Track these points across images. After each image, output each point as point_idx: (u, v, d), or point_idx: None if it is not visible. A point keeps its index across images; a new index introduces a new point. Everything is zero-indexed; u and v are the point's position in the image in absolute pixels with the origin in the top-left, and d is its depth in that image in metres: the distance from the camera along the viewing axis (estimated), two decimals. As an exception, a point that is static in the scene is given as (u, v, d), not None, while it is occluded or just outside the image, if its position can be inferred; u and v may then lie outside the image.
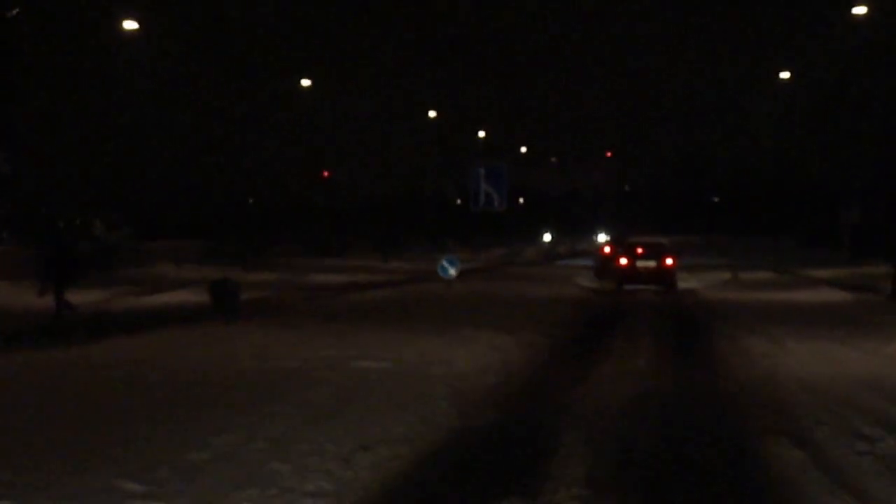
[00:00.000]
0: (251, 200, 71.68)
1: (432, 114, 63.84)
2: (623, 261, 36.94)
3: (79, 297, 27.34)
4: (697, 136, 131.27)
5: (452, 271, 31.98)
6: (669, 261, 36.46)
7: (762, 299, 31.50)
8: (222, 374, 15.23)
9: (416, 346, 18.70)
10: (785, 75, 59.34)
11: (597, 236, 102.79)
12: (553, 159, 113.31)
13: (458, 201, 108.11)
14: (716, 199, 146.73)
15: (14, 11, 27.75)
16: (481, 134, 69.69)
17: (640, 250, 37.02)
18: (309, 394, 13.59)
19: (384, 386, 14.42)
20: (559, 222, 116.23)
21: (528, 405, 13.92)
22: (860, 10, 42.08)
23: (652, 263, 36.28)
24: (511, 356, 18.13)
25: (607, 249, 44.02)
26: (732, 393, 14.69)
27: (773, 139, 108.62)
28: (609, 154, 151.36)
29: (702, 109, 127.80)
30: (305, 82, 56.58)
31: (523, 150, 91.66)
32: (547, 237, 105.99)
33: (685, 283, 39.98)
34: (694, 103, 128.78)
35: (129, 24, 40.28)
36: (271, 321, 23.01)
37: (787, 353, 18.46)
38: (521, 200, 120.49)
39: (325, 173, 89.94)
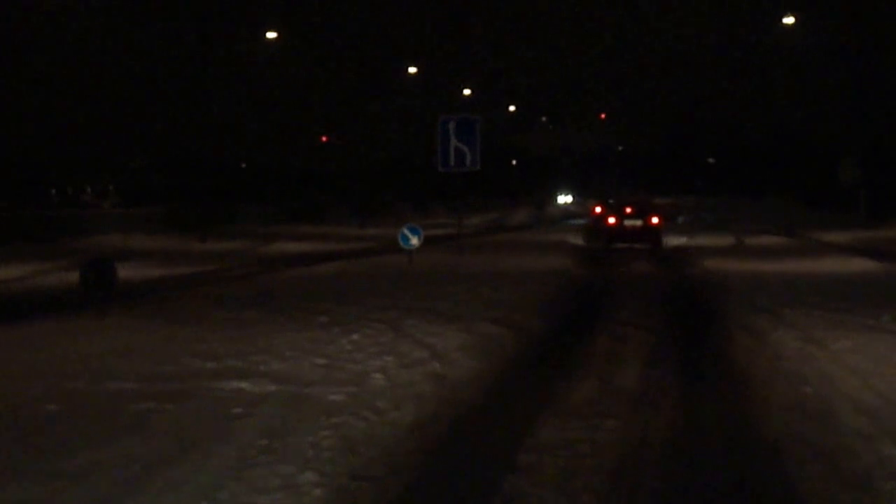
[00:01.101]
0: (220, 164, 66.39)
1: (412, 70, 58.26)
2: (611, 220, 37.28)
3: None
4: (693, 93, 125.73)
5: (414, 241, 26.77)
6: (655, 220, 36.51)
7: (777, 271, 26.24)
8: (21, 398, 10.13)
9: (329, 349, 13.51)
10: (789, 20, 53.69)
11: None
12: (543, 118, 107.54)
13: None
14: (711, 160, 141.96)
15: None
16: (466, 92, 64.19)
17: (627, 210, 37.25)
18: (114, 448, 8.41)
19: (245, 430, 9.24)
20: (551, 185, 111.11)
21: (454, 479, 8.66)
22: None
23: (638, 222, 36.42)
24: (454, 368, 12.87)
25: (598, 210, 44.87)
26: (771, 442, 9.45)
27: (773, 94, 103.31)
28: (602, 116, 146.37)
29: (698, 64, 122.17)
30: (270, 35, 51.00)
31: (511, 108, 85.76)
32: (563, 198, 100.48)
33: (686, 251, 34.82)
34: (690, 58, 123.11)
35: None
36: (164, 310, 17.75)
37: (834, 358, 13.18)
38: (514, 163, 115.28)
39: (324, 138, 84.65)
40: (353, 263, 28.92)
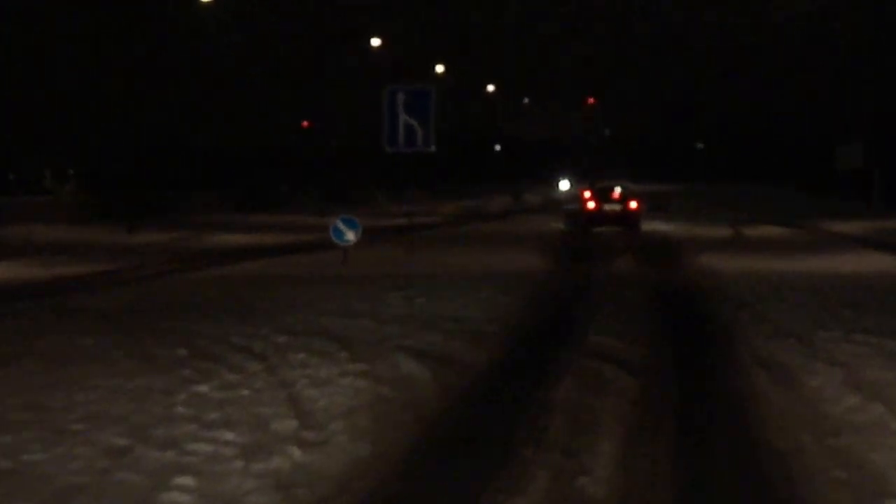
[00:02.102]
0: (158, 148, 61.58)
1: (375, 41, 53.09)
2: (591, 204, 37.58)
3: None
4: (685, 77, 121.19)
5: (350, 236, 22.00)
6: (634, 204, 37.01)
7: (788, 271, 21.52)
8: None
9: (150, 413, 8.88)
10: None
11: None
12: (525, 100, 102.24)
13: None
14: (700, 146, 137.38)
15: None
16: (440, 69, 59.02)
17: (606, 194, 37.86)
18: None
19: None
20: (536, 170, 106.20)
21: None
22: None
23: (617, 207, 36.98)
24: (320, 460, 8.05)
25: (587, 195, 43.56)
26: None
27: (764, 76, 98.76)
28: (591, 101, 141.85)
29: (691, 48, 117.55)
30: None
31: (490, 88, 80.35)
32: (564, 185, 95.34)
33: (679, 244, 30.09)
34: (683, 41, 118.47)
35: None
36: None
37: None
38: (498, 147, 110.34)
39: (305, 123, 79.79)
40: (283, 262, 24.14)
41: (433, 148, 23.67)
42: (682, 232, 35.06)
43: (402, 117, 23.39)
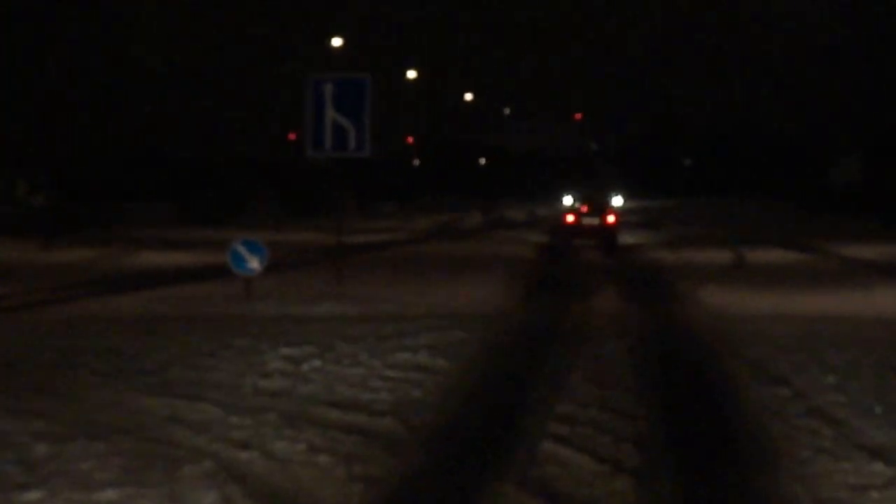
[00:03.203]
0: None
1: (337, 42, 47.84)
2: (570, 218, 38.25)
3: None
4: (672, 92, 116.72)
5: (254, 264, 16.90)
6: (611, 218, 37.59)
7: (819, 314, 16.50)
8: None
9: None
10: None
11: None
12: (506, 111, 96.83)
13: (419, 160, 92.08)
14: (687, 162, 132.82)
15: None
16: (411, 74, 53.78)
17: (584, 208, 38.46)
18: None
19: None
20: (521, 184, 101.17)
21: None
22: None
23: (595, 220, 37.44)
24: None
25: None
26: None
27: (757, 90, 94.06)
28: (578, 116, 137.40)
29: (678, 63, 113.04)
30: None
31: (468, 97, 74.90)
32: (569, 201, 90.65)
33: (670, 271, 24.93)
34: (669, 56, 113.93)
35: None
36: None
37: None
38: (483, 161, 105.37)
39: (292, 135, 74.66)
40: (182, 292, 19.02)
41: (367, 152, 18.60)
42: (675, 256, 29.99)
43: (330, 114, 18.32)
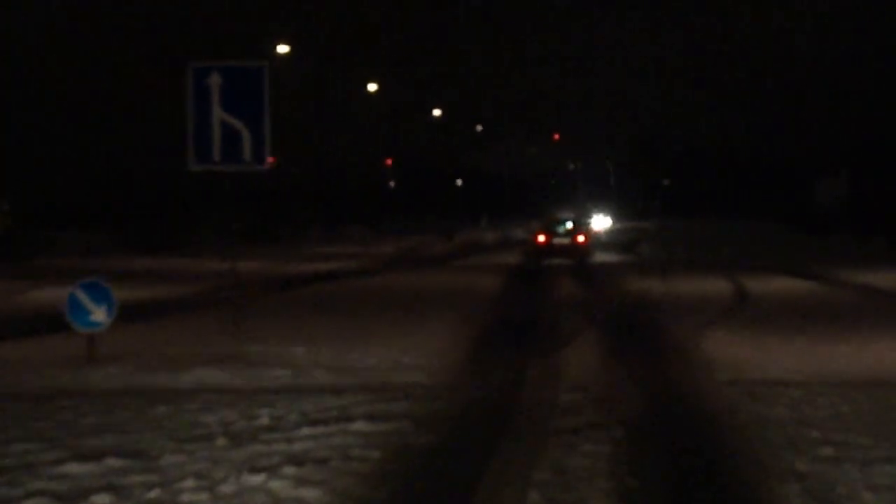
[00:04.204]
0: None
1: (283, 48, 43.09)
2: (541, 238, 38.25)
3: None
4: (652, 112, 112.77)
5: (99, 316, 12.16)
6: (581, 238, 37.95)
7: (860, 376, 11.98)
8: None
9: None
10: None
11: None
12: (478, 127, 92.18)
13: (393, 182, 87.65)
14: (666, 182, 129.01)
15: None
16: (372, 87, 49.12)
17: (556, 228, 38.68)
18: None
19: None
20: (495, 206, 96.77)
21: None
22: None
23: (567, 240, 37.75)
24: None
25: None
26: None
27: (739, 107, 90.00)
28: (556, 137, 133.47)
29: (659, 82, 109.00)
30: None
31: (436, 112, 70.18)
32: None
33: (660, 309, 20.24)
34: (649, 76, 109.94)
35: None
36: None
37: None
38: (459, 182, 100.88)
39: (271, 159, 69.90)
40: (21, 348, 14.29)
41: (266, 164, 13.93)
42: (665, 286, 25.36)
43: (218, 114, 13.68)
